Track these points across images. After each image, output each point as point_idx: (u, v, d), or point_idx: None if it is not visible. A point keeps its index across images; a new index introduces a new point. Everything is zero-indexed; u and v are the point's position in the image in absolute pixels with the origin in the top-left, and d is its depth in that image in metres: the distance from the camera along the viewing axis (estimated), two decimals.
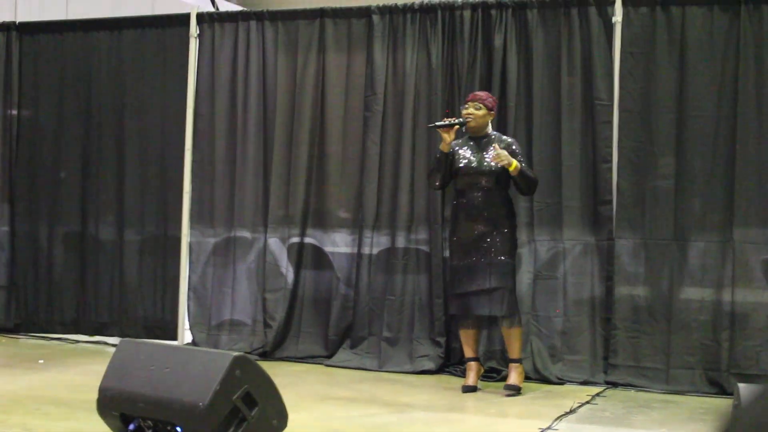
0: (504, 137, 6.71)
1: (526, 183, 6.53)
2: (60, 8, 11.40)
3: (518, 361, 6.61)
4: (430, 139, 7.41)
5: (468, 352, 6.71)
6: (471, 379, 6.66)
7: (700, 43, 6.93)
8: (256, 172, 7.92)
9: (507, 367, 6.77)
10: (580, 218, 7.11)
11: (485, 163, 6.52)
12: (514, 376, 6.56)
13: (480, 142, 6.61)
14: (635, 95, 7.03)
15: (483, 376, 6.92)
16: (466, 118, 6.58)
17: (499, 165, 6.40)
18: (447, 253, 7.16)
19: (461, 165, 6.56)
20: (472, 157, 6.56)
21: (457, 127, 6.56)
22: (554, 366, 7.00)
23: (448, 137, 6.51)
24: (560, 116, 7.16)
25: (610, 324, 6.94)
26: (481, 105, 6.61)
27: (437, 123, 6.62)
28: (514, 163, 6.38)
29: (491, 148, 6.50)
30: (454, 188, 6.72)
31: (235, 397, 4.49)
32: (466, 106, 6.63)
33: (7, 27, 8.80)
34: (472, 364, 6.69)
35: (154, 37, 8.37)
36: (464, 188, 6.57)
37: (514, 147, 6.57)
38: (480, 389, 6.69)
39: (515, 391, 6.50)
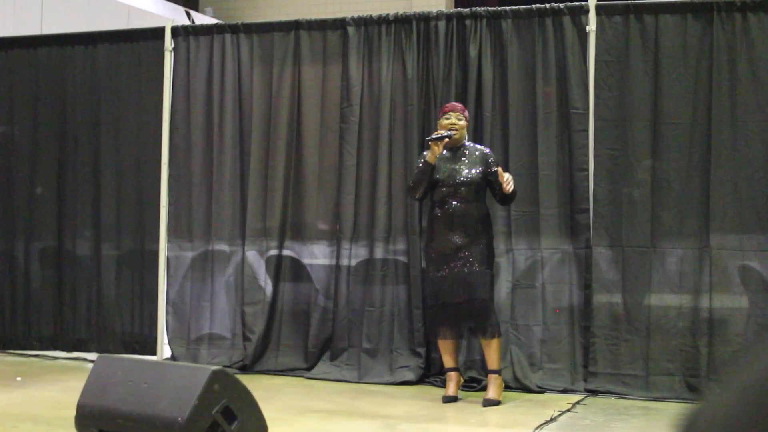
0: (479, 147, 6.73)
1: (513, 197, 6.57)
2: (34, 23, 11.36)
3: (497, 372, 6.57)
4: (406, 150, 7.43)
5: (448, 363, 6.70)
6: (451, 389, 6.65)
7: (674, 50, 6.97)
8: (233, 185, 7.91)
9: (486, 377, 6.78)
10: (558, 227, 7.13)
11: (464, 174, 6.52)
12: (493, 390, 6.52)
13: (457, 153, 6.62)
14: (610, 103, 7.07)
15: (463, 386, 6.92)
16: (452, 129, 6.56)
17: (509, 188, 6.36)
18: (424, 264, 7.17)
19: (439, 176, 6.55)
20: (450, 168, 6.56)
21: (447, 140, 6.51)
22: (534, 375, 7.01)
23: (438, 150, 6.48)
24: (536, 125, 7.19)
25: (589, 332, 6.96)
26: (462, 116, 6.64)
27: (434, 136, 6.54)
28: (512, 186, 6.40)
29: (472, 161, 6.54)
30: (431, 199, 6.71)
31: (214, 411, 4.46)
32: (448, 116, 6.62)
33: None
34: (452, 375, 6.69)
35: (129, 51, 8.35)
36: (442, 199, 6.56)
37: (490, 160, 6.59)
38: (460, 399, 6.69)
39: (494, 405, 6.48)
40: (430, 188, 6.62)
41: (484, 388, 6.72)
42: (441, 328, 6.66)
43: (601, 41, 7.10)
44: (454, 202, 6.52)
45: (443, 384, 6.83)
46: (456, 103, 6.82)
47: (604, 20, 7.11)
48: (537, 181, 7.10)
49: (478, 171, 6.55)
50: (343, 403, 6.70)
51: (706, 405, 1.21)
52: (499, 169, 6.46)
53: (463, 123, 6.64)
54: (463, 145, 6.67)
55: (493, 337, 6.52)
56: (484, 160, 6.58)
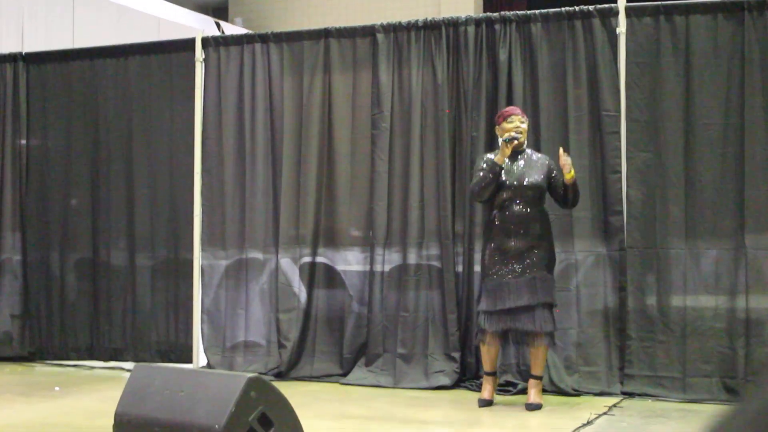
0: (538, 153, 6.75)
1: (574, 193, 6.56)
2: (66, 37, 11.48)
3: (541, 377, 6.58)
4: (438, 155, 7.43)
5: (488, 367, 6.64)
6: (488, 392, 6.62)
7: (705, 51, 6.94)
8: (266, 193, 7.94)
9: (522, 380, 6.77)
10: (591, 229, 7.10)
11: (530, 178, 6.51)
12: (536, 394, 6.52)
13: (519, 157, 6.58)
14: (642, 105, 7.04)
15: (499, 390, 6.91)
16: (518, 132, 6.52)
17: (567, 174, 6.40)
18: (460, 268, 7.16)
19: (507, 179, 6.51)
20: (515, 172, 6.53)
21: (515, 142, 6.50)
22: (570, 378, 6.98)
23: (507, 151, 6.47)
24: (568, 128, 7.18)
25: (624, 334, 6.93)
26: (524, 119, 6.64)
27: (506, 137, 6.50)
28: (572, 171, 6.42)
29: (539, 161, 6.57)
30: (491, 203, 6.61)
31: (250, 418, 4.48)
32: (511, 119, 6.57)
33: (13, 57, 8.85)
34: (491, 378, 6.66)
35: (160, 62, 8.41)
36: (506, 202, 6.50)
37: (552, 166, 6.60)
38: (495, 403, 6.67)
39: (537, 409, 6.46)
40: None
41: (520, 392, 6.70)
42: (492, 334, 6.54)
43: (631, 43, 7.07)
44: (518, 206, 6.48)
45: (479, 388, 6.83)
46: (516, 107, 6.80)
47: (634, 22, 7.08)
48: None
49: (542, 175, 6.55)
50: (380, 408, 6.70)
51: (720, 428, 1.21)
52: (562, 151, 6.45)
53: (525, 126, 6.63)
54: (524, 150, 6.64)
55: (551, 344, 6.54)
56: (546, 165, 6.59)
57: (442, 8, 15.32)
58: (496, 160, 6.49)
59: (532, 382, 6.57)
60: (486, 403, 6.58)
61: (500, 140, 6.53)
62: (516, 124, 6.57)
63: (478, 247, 7.11)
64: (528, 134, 7.17)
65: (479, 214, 7.18)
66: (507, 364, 7.06)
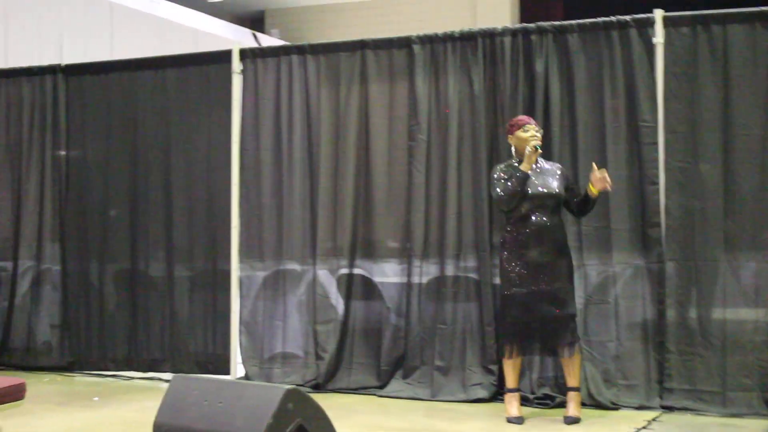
0: (549, 161, 6.75)
1: (591, 208, 6.66)
2: (104, 48, 11.59)
3: (578, 389, 6.55)
4: (474, 166, 7.41)
5: (512, 383, 6.61)
6: (516, 408, 6.59)
7: (743, 60, 6.88)
8: (303, 205, 7.95)
9: (560, 393, 6.74)
10: (629, 241, 7.05)
11: (552, 187, 6.52)
12: (574, 407, 6.50)
13: (536, 166, 6.58)
14: (680, 116, 6.98)
15: (537, 403, 6.90)
16: (537, 141, 6.54)
17: (598, 188, 6.46)
18: (498, 280, 7.14)
19: (528, 189, 6.49)
20: (536, 181, 6.52)
21: (539, 152, 6.53)
22: (608, 391, 6.93)
23: (534, 158, 6.50)
24: (605, 139, 7.14)
25: (663, 347, 6.86)
26: (538, 127, 6.65)
27: (538, 144, 6.53)
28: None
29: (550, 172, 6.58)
30: (512, 213, 6.57)
31: (288, 430, 4.48)
32: (526, 128, 6.59)
33: (53, 69, 8.92)
34: (517, 394, 6.64)
35: (198, 74, 8.44)
36: (529, 212, 6.49)
37: (567, 174, 6.69)
38: (528, 418, 6.63)
39: (575, 423, 6.43)
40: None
41: (558, 405, 6.67)
42: (516, 346, 6.55)
43: (668, 53, 7.02)
44: (540, 216, 6.48)
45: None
46: (529, 117, 6.80)
47: (671, 32, 7.03)
48: (607, 195, 7.02)
49: (561, 184, 6.56)
50: (417, 421, 6.69)
51: None
52: (595, 167, 6.48)
53: (540, 135, 6.64)
54: (539, 159, 6.65)
55: (577, 353, 6.52)
56: (562, 174, 6.61)
57: (477, 19, 15.34)
58: (522, 168, 6.46)
59: (571, 394, 6.55)
60: (518, 420, 6.53)
61: (526, 149, 6.48)
62: (532, 132, 6.58)
63: None
64: (565, 145, 7.19)
65: None
66: (544, 377, 7.02)
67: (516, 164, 6.57)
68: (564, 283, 6.50)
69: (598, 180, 6.45)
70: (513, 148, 6.68)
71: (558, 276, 6.48)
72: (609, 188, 6.50)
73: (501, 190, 6.50)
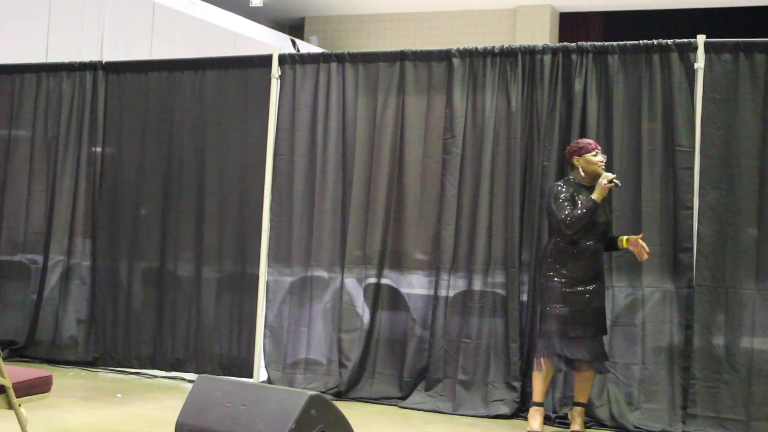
0: None
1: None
2: (144, 47, 11.67)
3: (585, 405, 6.70)
4: (508, 183, 7.41)
5: (539, 396, 6.64)
6: (539, 423, 6.62)
7: None
8: (334, 212, 7.95)
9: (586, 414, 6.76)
10: (660, 265, 7.02)
11: (606, 214, 6.67)
12: (580, 422, 6.63)
13: (589, 191, 6.58)
14: (717, 142, 6.95)
15: (559, 422, 6.89)
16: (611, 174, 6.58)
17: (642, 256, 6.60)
18: (525, 297, 7.12)
19: (596, 216, 6.55)
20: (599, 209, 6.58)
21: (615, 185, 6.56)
22: (631, 414, 6.90)
23: (607, 190, 6.54)
24: (641, 162, 7.11)
25: (689, 373, 6.82)
26: (604, 155, 6.71)
27: (614, 180, 6.52)
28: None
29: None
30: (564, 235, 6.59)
31: None
32: (595, 152, 6.62)
33: (93, 66, 8.98)
34: (541, 409, 6.66)
35: (236, 77, 8.47)
36: (582, 236, 6.53)
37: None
38: None
39: None
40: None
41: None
42: (551, 360, 6.55)
43: (709, 78, 6.99)
44: (590, 240, 6.55)
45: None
46: (593, 141, 6.79)
47: (712, 57, 7.00)
48: (640, 217, 7.01)
49: (609, 211, 6.79)
50: None
51: None
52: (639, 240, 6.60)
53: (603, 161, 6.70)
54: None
55: (601, 373, 6.66)
56: (608, 201, 6.73)
57: (517, 34, 15.33)
58: (594, 197, 6.47)
59: (578, 410, 6.66)
60: None
61: (602, 180, 6.48)
62: (600, 158, 6.62)
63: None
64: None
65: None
66: (568, 397, 6.97)
67: (576, 184, 6.60)
68: (601, 303, 6.63)
69: (634, 245, 6.57)
70: (580, 170, 6.63)
71: (597, 296, 6.58)
72: (643, 257, 6.59)
73: (568, 215, 6.49)
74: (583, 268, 6.52)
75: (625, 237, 6.64)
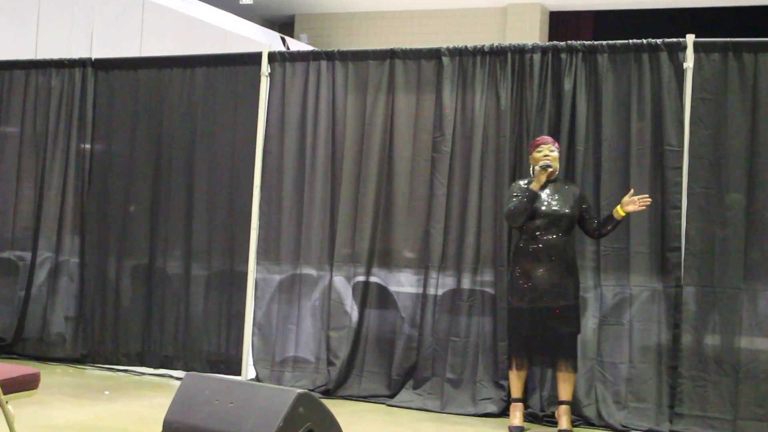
0: (569, 181, 6.87)
1: (614, 229, 6.79)
2: (134, 44, 11.64)
3: (570, 403, 6.70)
4: (497, 181, 7.41)
5: (517, 393, 6.76)
6: (518, 419, 6.73)
7: None
8: (323, 210, 7.95)
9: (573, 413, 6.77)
10: (648, 264, 7.04)
11: (566, 207, 6.62)
12: (566, 421, 6.64)
13: (553, 185, 6.69)
14: (706, 141, 6.96)
15: (546, 421, 6.92)
16: (547, 160, 6.63)
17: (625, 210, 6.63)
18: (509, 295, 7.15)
19: (542, 207, 6.59)
20: (550, 200, 6.61)
21: (549, 170, 6.60)
22: (619, 413, 6.92)
23: (544, 177, 6.59)
24: (629, 161, 7.13)
25: (676, 372, 6.84)
26: (554, 147, 6.72)
27: (547, 163, 6.61)
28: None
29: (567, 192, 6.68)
30: (525, 229, 6.68)
31: None
32: (540, 149, 6.70)
33: (83, 63, 8.96)
34: (521, 405, 6.78)
35: (226, 74, 8.45)
36: (540, 230, 6.58)
37: (584, 196, 6.82)
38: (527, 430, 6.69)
39: None
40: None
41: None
42: (521, 359, 6.71)
43: (698, 78, 7.01)
44: (552, 235, 6.58)
45: (526, 418, 6.87)
46: (546, 137, 6.87)
47: (701, 57, 7.02)
48: (628, 217, 7.01)
49: (575, 205, 6.66)
50: (426, 431, 6.68)
51: None
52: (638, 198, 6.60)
53: (556, 154, 6.73)
54: (558, 178, 6.74)
55: (575, 371, 6.66)
56: (578, 195, 6.72)
57: (507, 33, 15.33)
58: (532, 186, 6.57)
59: (563, 408, 6.67)
60: (518, 430, 6.66)
61: (536, 168, 6.65)
62: (545, 152, 6.69)
63: None
64: (589, 165, 7.18)
65: None
66: (554, 396, 6.98)
67: (524, 183, 6.71)
68: (569, 301, 6.61)
69: (630, 202, 6.56)
70: (531, 167, 6.76)
71: (564, 294, 6.59)
72: (643, 207, 6.62)
73: (509, 207, 6.64)
74: (543, 265, 6.55)
75: (617, 206, 6.65)
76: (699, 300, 6.90)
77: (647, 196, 6.65)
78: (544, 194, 6.64)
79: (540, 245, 6.58)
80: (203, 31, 13.21)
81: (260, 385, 5.42)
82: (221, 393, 4.80)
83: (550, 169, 6.58)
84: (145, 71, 8.79)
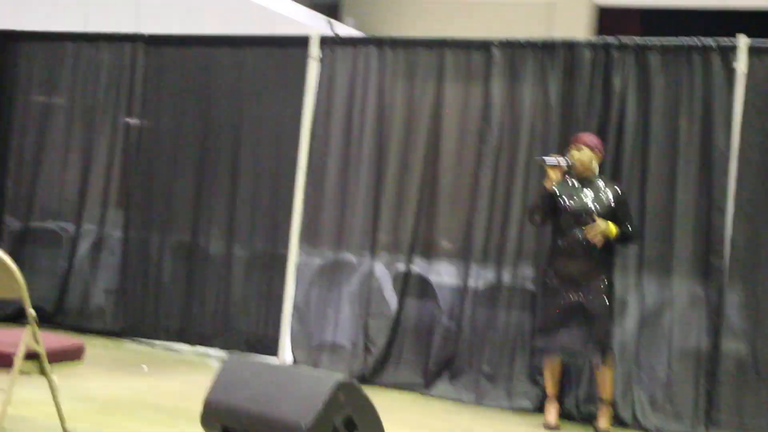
0: (611, 181, 6.78)
1: (623, 243, 6.71)
2: (181, 18, 11.65)
3: (608, 402, 6.66)
4: (542, 176, 7.35)
5: (549, 389, 6.79)
6: (553, 416, 6.74)
7: None
8: (367, 197, 7.95)
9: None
10: (690, 268, 6.98)
11: (589, 205, 6.56)
12: (604, 420, 6.64)
13: (584, 183, 6.65)
14: (755, 146, 6.88)
15: (581, 419, 6.93)
16: (568, 160, 6.62)
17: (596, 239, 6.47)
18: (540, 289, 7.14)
19: (565, 204, 6.58)
20: (575, 197, 6.60)
21: (565, 167, 6.57)
22: (654, 415, 6.88)
23: (553, 175, 6.57)
24: (676, 162, 7.06)
25: (714, 378, 6.79)
26: (582, 146, 6.66)
27: (545, 158, 6.65)
28: (613, 230, 6.50)
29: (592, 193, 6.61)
30: (555, 226, 6.70)
31: (337, 421, 4.51)
32: (569, 148, 6.68)
33: (133, 38, 9.00)
34: (555, 402, 6.79)
35: (275, 56, 8.47)
36: (566, 227, 6.58)
37: (619, 196, 6.65)
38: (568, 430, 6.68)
39: None
40: (552, 214, 6.65)
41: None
42: (549, 351, 6.72)
43: (750, 82, 6.92)
44: (576, 232, 6.53)
45: (561, 415, 6.84)
46: (583, 134, 6.82)
47: (755, 61, 6.93)
48: (673, 219, 6.97)
49: (605, 204, 6.57)
50: (460, 423, 6.70)
51: None
52: (598, 220, 6.49)
53: (582, 154, 6.66)
54: (592, 177, 6.68)
55: (612, 368, 6.62)
56: (613, 195, 6.62)
57: (555, 27, 15.25)
58: (545, 184, 6.59)
59: (600, 406, 6.69)
60: (554, 428, 6.67)
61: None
62: (572, 152, 6.67)
63: None
64: (636, 164, 7.12)
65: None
66: (592, 393, 6.96)
67: (569, 181, 6.70)
68: (597, 297, 6.53)
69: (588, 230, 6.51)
70: None
71: (591, 290, 6.52)
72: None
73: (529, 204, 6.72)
74: (571, 262, 6.53)
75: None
76: (740, 307, 6.83)
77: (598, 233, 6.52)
78: (571, 192, 6.63)
79: (565, 242, 6.58)
80: (250, 10, 13.22)
81: (301, 369, 5.45)
82: (262, 376, 4.83)
83: (557, 166, 6.57)
84: (195, 49, 8.82)
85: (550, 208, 6.64)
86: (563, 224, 6.60)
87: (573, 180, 6.69)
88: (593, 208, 6.55)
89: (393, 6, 16.69)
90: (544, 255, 7.14)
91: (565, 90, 7.41)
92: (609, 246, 6.63)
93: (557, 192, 6.63)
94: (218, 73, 8.68)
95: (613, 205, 6.59)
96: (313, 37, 8.26)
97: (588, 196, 6.61)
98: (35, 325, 4.80)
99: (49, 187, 9.22)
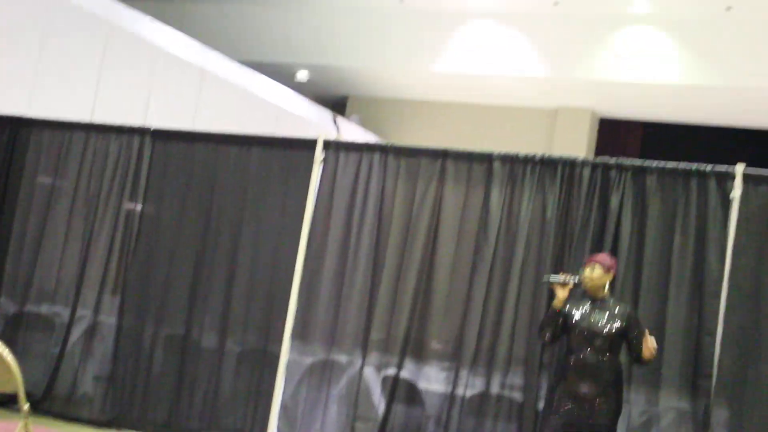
0: (622, 303, 6.75)
1: (651, 361, 6.56)
2: (189, 111, 11.87)
3: None
4: (536, 289, 7.46)
5: None
6: None
7: None
8: (362, 299, 8.01)
9: None
10: (678, 387, 7.03)
11: (600, 326, 6.48)
12: None
13: (596, 303, 6.58)
14: (747, 272, 6.98)
15: None
16: (579, 278, 6.58)
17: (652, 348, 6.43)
18: (541, 404, 7.13)
19: (575, 323, 6.53)
20: (587, 317, 6.52)
21: (572, 285, 6.57)
22: None
23: (561, 294, 6.54)
24: (668, 283, 7.15)
25: None
26: (595, 265, 6.59)
27: (552, 276, 6.67)
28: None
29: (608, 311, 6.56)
30: (566, 344, 6.65)
31: None
32: (584, 266, 6.67)
33: (141, 131, 9.14)
34: None
35: (280, 157, 8.61)
36: (576, 346, 6.51)
37: (632, 319, 6.55)
38: None
39: None
40: (563, 333, 6.61)
41: None
42: None
43: (744, 208, 7.05)
44: (587, 352, 6.46)
45: None
46: (599, 254, 6.77)
47: (749, 188, 7.07)
48: (663, 338, 7.03)
49: (616, 325, 6.48)
50: None
51: None
52: (646, 334, 6.43)
53: (594, 273, 6.57)
54: (604, 297, 6.62)
55: None
56: (625, 317, 6.51)
57: (556, 135, 15.47)
58: (554, 304, 6.57)
59: None
60: None
61: None
62: (585, 272, 6.59)
63: None
64: (628, 283, 7.20)
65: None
66: None
67: (581, 299, 6.64)
68: (604, 420, 6.44)
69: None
70: None
71: (598, 413, 6.42)
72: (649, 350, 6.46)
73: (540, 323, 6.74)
74: (579, 383, 6.41)
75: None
76: (728, 428, 6.85)
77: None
78: (582, 311, 6.56)
79: (573, 362, 6.49)
80: (257, 105, 13.44)
81: None
82: None
83: (566, 284, 6.54)
84: (201, 145, 8.95)
85: (559, 327, 6.59)
86: (574, 343, 6.52)
87: (586, 299, 6.62)
88: (607, 329, 6.47)
89: (397, 106, 16.97)
90: (537, 364, 7.17)
91: (563, 206, 7.53)
92: (618, 368, 6.55)
93: (565, 311, 6.61)
94: (223, 169, 8.81)
95: (623, 325, 6.51)
96: (318, 140, 8.40)
97: (599, 315, 6.53)
98: (28, 418, 4.81)
99: (47, 270, 9.26)
